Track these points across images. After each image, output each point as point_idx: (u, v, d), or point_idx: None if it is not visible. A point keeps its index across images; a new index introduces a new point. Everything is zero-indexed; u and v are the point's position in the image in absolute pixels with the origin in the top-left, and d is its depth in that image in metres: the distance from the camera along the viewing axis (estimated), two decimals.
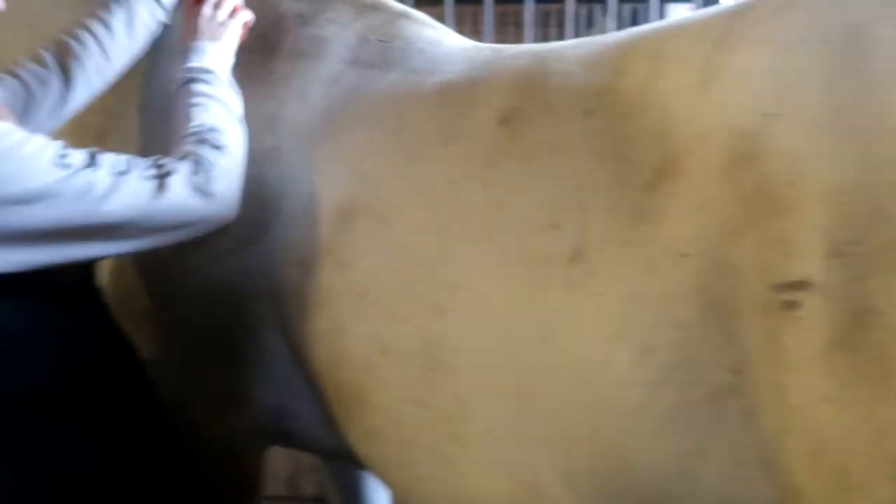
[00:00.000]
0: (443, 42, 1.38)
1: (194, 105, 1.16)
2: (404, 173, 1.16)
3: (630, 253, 0.88)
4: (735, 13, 0.91)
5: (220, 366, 1.35)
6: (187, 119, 1.15)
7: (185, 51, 1.26)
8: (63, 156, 0.98)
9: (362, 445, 1.22)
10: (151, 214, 1.03)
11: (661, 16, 2.40)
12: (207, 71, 1.23)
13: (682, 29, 0.98)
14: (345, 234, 1.19)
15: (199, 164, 1.07)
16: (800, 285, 0.74)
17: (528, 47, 1.24)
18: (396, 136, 1.20)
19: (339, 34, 1.39)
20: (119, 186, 1.01)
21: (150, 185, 1.02)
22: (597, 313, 0.90)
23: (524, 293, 0.97)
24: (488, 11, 2.36)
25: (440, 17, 2.45)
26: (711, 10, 1.02)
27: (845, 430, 0.73)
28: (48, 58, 1.30)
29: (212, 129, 1.13)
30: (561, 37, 2.43)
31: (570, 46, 1.15)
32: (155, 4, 1.37)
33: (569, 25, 2.41)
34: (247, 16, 1.35)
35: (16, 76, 1.27)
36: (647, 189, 0.88)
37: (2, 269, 1.02)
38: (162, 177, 1.03)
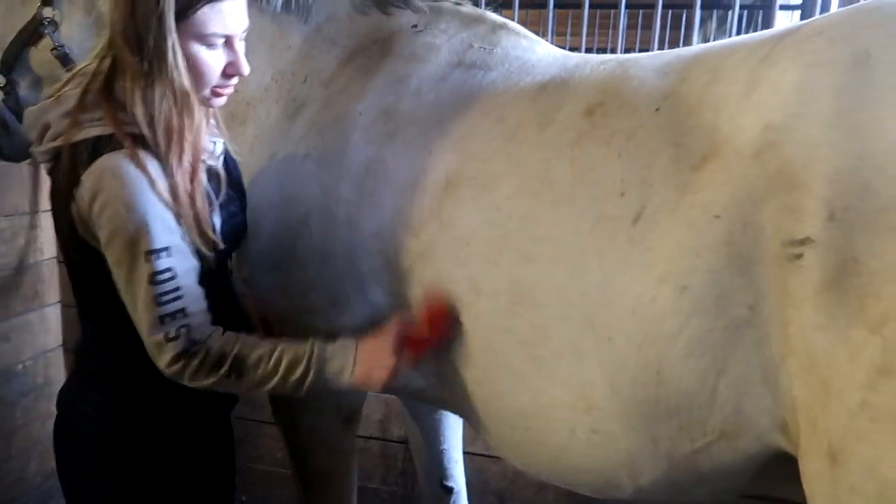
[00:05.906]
0: (536, 50, 1.63)
1: (286, 347, 1.35)
2: (504, 151, 1.40)
3: (677, 216, 1.13)
4: (779, 37, 1.14)
5: (333, 311, 1.59)
6: (269, 341, 1.37)
7: (344, 345, 1.38)
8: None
9: (454, 371, 1.48)
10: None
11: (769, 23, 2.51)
12: (324, 371, 1.35)
13: (737, 48, 1.22)
14: (450, 199, 1.43)
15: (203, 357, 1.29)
16: (804, 241, 0.98)
17: (614, 57, 1.48)
18: (498, 123, 1.45)
19: (448, 42, 1.66)
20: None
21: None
22: (649, 261, 1.15)
23: (595, 245, 1.22)
24: (586, 15, 2.61)
25: (544, 19, 2.68)
26: (767, 32, 1.25)
27: (829, 351, 0.96)
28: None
29: (249, 363, 1.32)
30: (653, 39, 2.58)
31: (648, 57, 1.39)
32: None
33: (656, 28, 2.56)
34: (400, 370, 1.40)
35: None
36: (695, 170, 1.14)
37: None
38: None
